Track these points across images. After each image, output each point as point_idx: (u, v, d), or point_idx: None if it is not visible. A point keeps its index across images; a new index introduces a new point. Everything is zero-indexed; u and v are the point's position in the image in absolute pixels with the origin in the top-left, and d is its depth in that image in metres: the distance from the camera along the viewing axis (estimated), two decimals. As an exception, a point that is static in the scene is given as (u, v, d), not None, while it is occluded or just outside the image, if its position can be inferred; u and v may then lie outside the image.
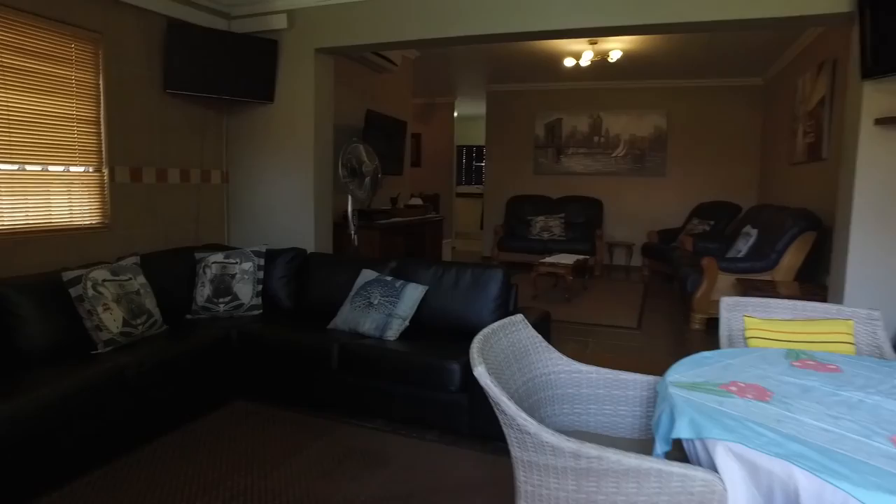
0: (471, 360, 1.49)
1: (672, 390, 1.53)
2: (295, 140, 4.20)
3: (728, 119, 7.66)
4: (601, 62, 6.24)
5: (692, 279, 4.74)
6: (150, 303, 3.15)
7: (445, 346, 3.02)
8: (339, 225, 4.59)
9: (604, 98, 8.15)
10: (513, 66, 7.29)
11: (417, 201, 6.16)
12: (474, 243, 10.46)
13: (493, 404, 1.44)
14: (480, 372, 1.41)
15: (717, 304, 4.90)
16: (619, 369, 3.74)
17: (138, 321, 3.03)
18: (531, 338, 1.92)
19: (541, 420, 1.84)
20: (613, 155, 8.16)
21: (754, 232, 5.18)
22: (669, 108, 7.90)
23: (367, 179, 4.10)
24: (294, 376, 3.21)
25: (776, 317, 2.31)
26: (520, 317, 1.94)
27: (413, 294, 3.32)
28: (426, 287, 3.36)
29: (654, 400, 1.90)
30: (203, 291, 3.62)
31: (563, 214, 8.04)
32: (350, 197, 4.07)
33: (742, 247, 5.21)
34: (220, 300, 3.61)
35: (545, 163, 8.50)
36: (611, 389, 1.92)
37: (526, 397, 1.82)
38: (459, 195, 12.25)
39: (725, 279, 4.59)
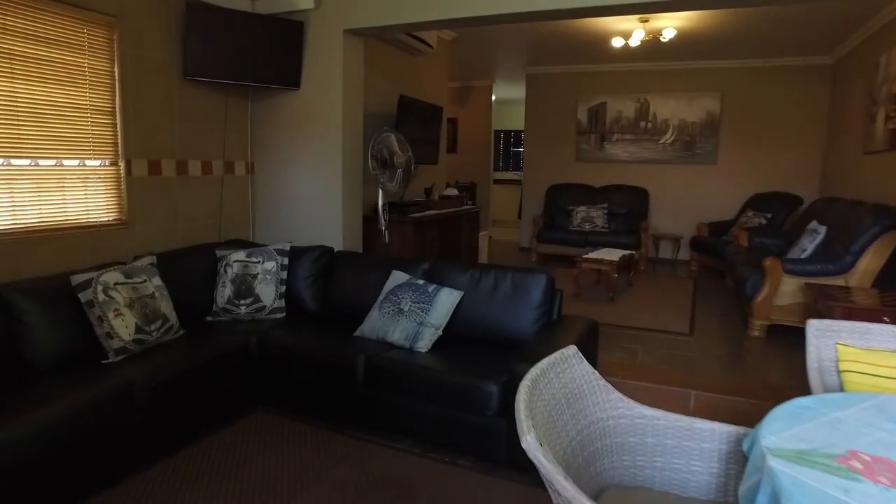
0: (517, 422, 1.19)
1: (773, 463, 1.20)
2: (323, 129, 3.93)
3: (788, 102, 7.07)
4: (652, 42, 5.77)
5: (752, 281, 4.32)
6: (165, 306, 2.95)
7: (482, 360, 2.73)
8: (370, 219, 4.33)
9: (652, 80, 7.64)
10: (555, 48, 6.86)
11: (453, 191, 5.84)
12: (512, 232, 10.11)
13: (544, 480, 1.15)
14: (530, 443, 1.11)
15: (780, 309, 4.50)
16: (673, 384, 3.41)
17: (153, 327, 2.83)
18: (586, 375, 1.61)
19: (597, 474, 1.54)
20: (661, 141, 7.67)
21: (822, 229, 4.70)
22: (723, 91, 7.34)
23: (399, 171, 3.82)
24: (317, 389, 2.97)
25: (879, 346, 1.94)
26: (573, 349, 1.63)
27: (447, 300, 3.04)
28: (461, 293, 3.07)
29: (734, 455, 1.57)
30: (224, 292, 3.41)
31: (605, 205, 7.62)
32: (381, 190, 3.79)
33: (807, 245, 4.74)
34: (242, 302, 3.39)
35: (587, 149, 8.06)
36: (682, 440, 1.60)
37: (580, 450, 1.52)
38: (497, 182, 11.89)
39: (791, 283, 4.15)
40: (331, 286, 3.53)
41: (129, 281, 2.83)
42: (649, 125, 7.70)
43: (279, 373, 3.07)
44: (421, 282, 3.16)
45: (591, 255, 5.50)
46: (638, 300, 5.45)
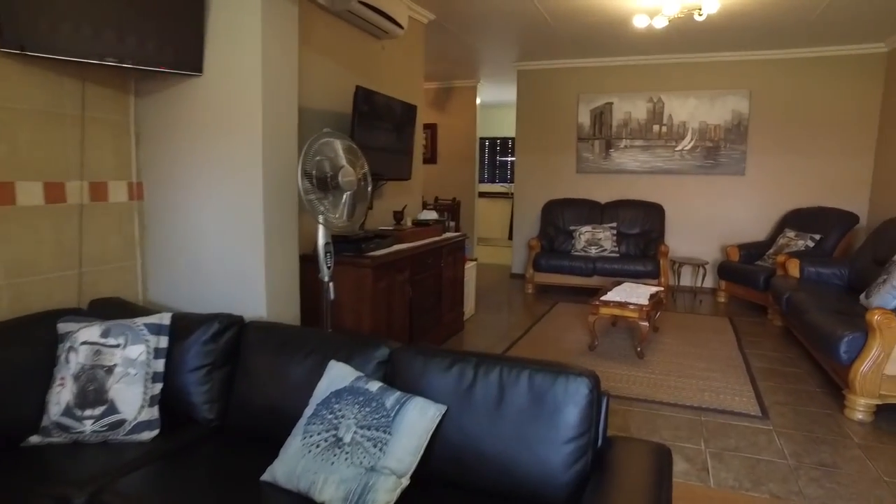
0: None
1: None
2: (234, 132, 2.65)
3: (834, 99, 5.94)
4: (681, 23, 4.59)
5: (849, 341, 3.11)
6: None
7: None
8: (311, 260, 3.04)
9: (667, 76, 6.48)
10: (554, 35, 5.66)
11: (431, 215, 4.57)
12: (501, 254, 8.87)
13: None
14: None
15: (894, 381, 2.92)
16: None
17: None
18: None
19: None
20: (678, 149, 6.49)
21: (924, 263, 3.52)
22: (752, 87, 6.20)
23: (347, 195, 2.56)
24: None
25: None
26: None
27: (418, 423, 1.77)
28: (442, 408, 1.81)
29: None
30: (62, 395, 2.09)
31: (614, 224, 6.41)
32: (320, 225, 2.53)
33: (903, 284, 3.56)
34: (87, 412, 2.07)
35: (591, 158, 6.85)
36: None
37: None
38: (483, 195, 10.68)
39: (905, 343, 2.96)
40: (237, 381, 2.23)
41: None
42: (664, 129, 6.52)
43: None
44: (374, 386, 1.88)
45: (611, 295, 4.27)
46: (673, 354, 4.22)
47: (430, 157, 8.73)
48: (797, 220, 5.83)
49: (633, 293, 4.34)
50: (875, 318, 2.99)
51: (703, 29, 5.14)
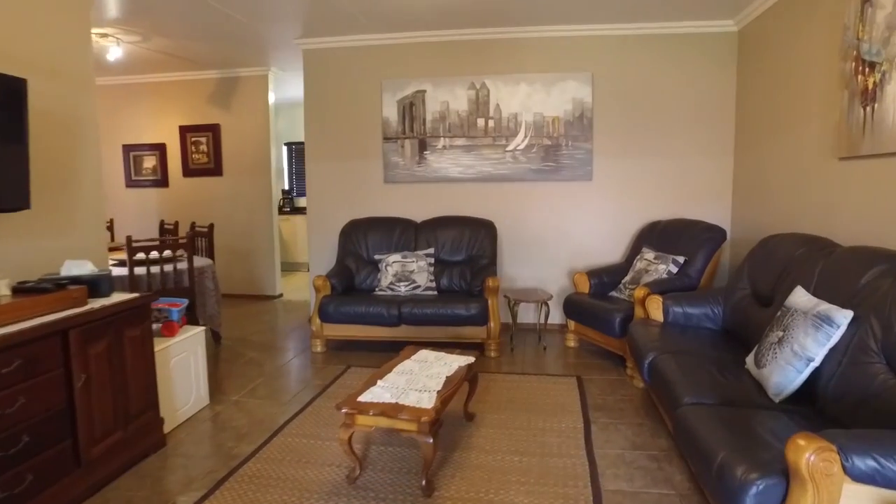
0: None
1: None
2: None
3: (688, 85, 4.78)
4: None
5: (759, 494, 1.62)
6: None
7: None
8: None
9: (491, 56, 5.00)
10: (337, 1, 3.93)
11: (81, 268, 2.60)
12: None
13: None
14: None
15: None
16: None
17: None
18: None
19: None
20: (510, 148, 5.04)
21: (844, 318, 2.18)
22: (595, 70, 4.89)
23: None
24: None
25: None
26: None
27: None
28: None
29: None
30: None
31: (431, 250, 4.79)
32: None
33: (814, 350, 2.21)
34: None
35: (401, 164, 5.21)
36: None
37: None
38: (294, 211, 8.80)
39: (857, 494, 1.51)
40: None
41: None
42: (491, 124, 5.04)
43: None
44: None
45: (382, 388, 2.56)
46: (486, 472, 2.58)
47: (214, 168, 6.68)
48: (656, 236, 4.56)
49: (425, 375, 2.67)
50: (805, 458, 1.50)
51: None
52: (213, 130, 6.62)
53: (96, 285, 2.64)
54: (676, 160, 4.84)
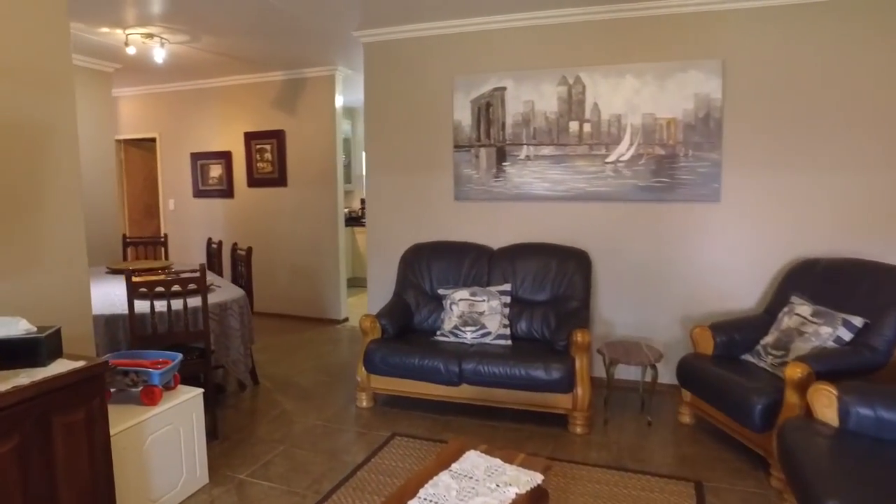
0: None
1: None
2: None
3: (865, 75, 3.49)
4: None
5: None
6: None
7: None
8: None
9: (589, 43, 3.98)
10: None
11: (12, 327, 1.97)
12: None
13: None
14: None
15: None
16: None
17: None
18: None
19: None
20: (611, 159, 3.98)
21: None
22: (727, 56, 3.72)
23: None
24: None
25: None
26: None
27: None
28: None
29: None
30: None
31: (507, 286, 3.85)
32: None
33: None
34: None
35: (476, 177, 4.30)
36: None
37: None
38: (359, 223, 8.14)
39: None
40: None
41: None
42: (587, 128, 4.01)
43: None
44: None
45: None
46: None
47: (278, 178, 6.14)
48: (814, 281, 3.32)
49: (476, 492, 1.76)
50: None
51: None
52: (277, 137, 6.07)
53: (28, 351, 1.97)
54: (844, 175, 3.56)
